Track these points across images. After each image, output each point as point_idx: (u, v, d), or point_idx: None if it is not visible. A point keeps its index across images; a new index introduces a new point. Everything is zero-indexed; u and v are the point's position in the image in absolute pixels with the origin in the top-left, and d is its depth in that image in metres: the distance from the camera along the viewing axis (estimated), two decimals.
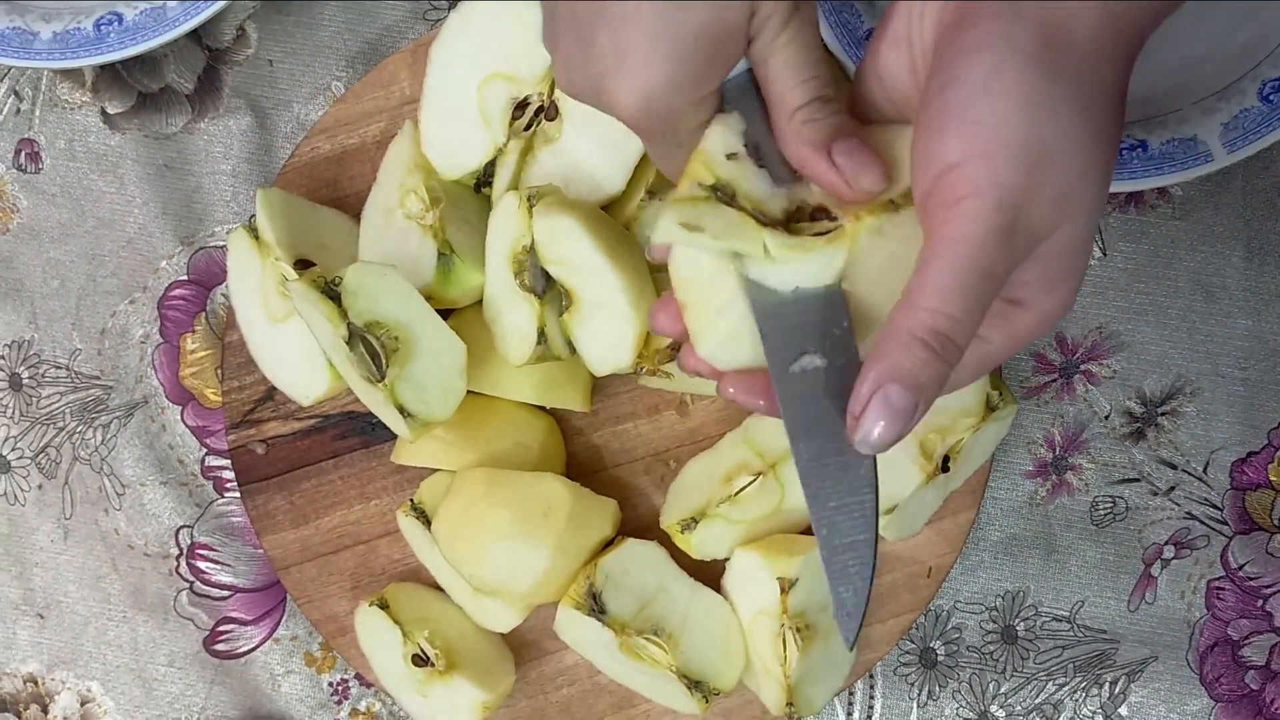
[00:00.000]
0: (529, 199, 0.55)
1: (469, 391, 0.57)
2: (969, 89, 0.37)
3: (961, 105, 0.37)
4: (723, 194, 0.41)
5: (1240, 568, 0.65)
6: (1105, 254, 0.65)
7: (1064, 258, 0.39)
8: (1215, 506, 0.66)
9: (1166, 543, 0.66)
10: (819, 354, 0.41)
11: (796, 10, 0.41)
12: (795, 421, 0.41)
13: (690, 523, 0.60)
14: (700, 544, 0.60)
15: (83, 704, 0.67)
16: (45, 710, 0.67)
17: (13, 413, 0.67)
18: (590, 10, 0.42)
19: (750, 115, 0.43)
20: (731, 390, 0.43)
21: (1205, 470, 0.66)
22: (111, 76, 0.66)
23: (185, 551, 0.67)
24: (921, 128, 0.39)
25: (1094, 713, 0.65)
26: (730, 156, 0.42)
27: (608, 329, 0.56)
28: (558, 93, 0.58)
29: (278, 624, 0.67)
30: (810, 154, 0.41)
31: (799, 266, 0.41)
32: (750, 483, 0.59)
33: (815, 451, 0.41)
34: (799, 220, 0.42)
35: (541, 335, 0.56)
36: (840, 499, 0.41)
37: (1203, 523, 0.66)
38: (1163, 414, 0.66)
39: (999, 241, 0.37)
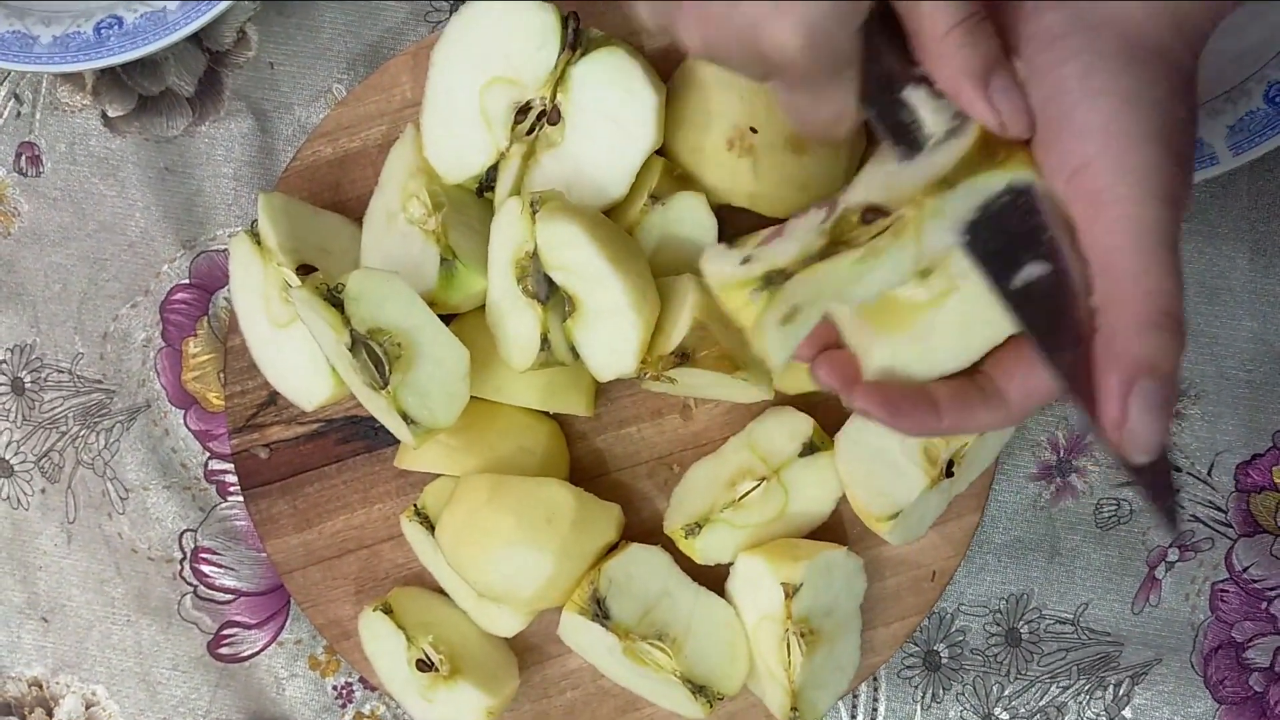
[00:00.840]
0: (531, 204, 0.55)
1: (472, 397, 0.57)
2: (1071, 96, 0.39)
3: (1069, 112, 0.39)
4: (776, 278, 0.41)
5: (1244, 570, 0.65)
6: None
7: None
8: (1219, 509, 0.65)
9: (1170, 545, 0.66)
10: (1037, 261, 0.40)
11: None
12: (1042, 337, 0.40)
13: (694, 528, 0.60)
14: (704, 549, 0.60)
15: (87, 708, 0.67)
16: (50, 714, 0.67)
17: (15, 417, 0.67)
18: None
19: (883, 50, 0.42)
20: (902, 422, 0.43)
21: (1209, 473, 0.65)
22: (112, 80, 0.66)
23: (189, 555, 0.67)
24: (1036, 143, 0.40)
25: (1098, 715, 0.66)
26: (746, 260, 0.42)
27: (611, 335, 0.56)
28: (560, 96, 0.58)
29: (282, 628, 0.67)
30: (968, 84, 0.40)
31: (879, 272, 0.41)
32: (754, 488, 0.59)
33: (1071, 363, 0.40)
34: (849, 231, 0.42)
35: (545, 341, 0.56)
36: None
37: (1207, 525, 0.65)
38: None
39: (1169, 213, 0.38)
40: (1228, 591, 0.65)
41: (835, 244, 0.41)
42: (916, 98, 0.43)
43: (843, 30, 0.41)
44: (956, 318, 0.43)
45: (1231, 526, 0.65)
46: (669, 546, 0.61)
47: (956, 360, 0.43)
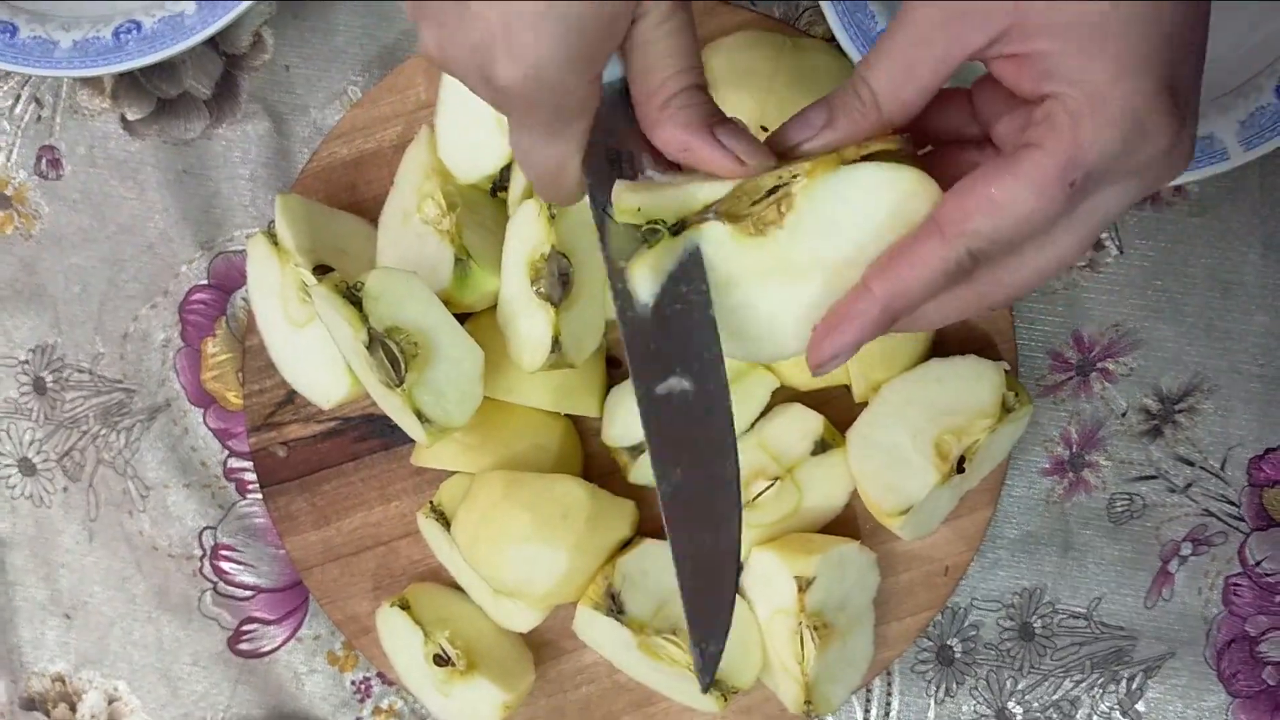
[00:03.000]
0: (550, 206, 0.56)
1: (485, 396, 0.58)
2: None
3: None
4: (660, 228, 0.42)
5: (1258, 564, 0.65)
6: (1122, 251, 0.65)
7: None
8: (1232, 503, 0.66)
9: (1184, 539, 0.66)
10: (685, 376, 0.42)
11: (680, 8, 0.41)
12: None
13: None
14: None
15: (110, 703, 0.68)
16: (73, 709, 0.68)
17: (37, 416, 0.68)
18: None
19: (623, 123, 0.42)
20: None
21: (1222, 467, 0.66)
22: (130, 83, 0.67)
23: (209, 553, 0.68)
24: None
25: (1111, 709, 0.66)
26: (639, 211, 0.42)
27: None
28: None
29: (300, 624, 0.67)
30: (691, 137, 0.41)
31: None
32: (768, 488, 0.60)
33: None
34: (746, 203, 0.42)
35: (556, 343, 0.57)
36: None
37: (1220, 519, 0.66)
38: (1180, 411, 0.66)
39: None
40: (1241, 585, 0.66)
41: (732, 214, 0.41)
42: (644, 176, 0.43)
43: (572, 77, 0.40)
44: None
45: (1245, 520, 0.66)
46: None
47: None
